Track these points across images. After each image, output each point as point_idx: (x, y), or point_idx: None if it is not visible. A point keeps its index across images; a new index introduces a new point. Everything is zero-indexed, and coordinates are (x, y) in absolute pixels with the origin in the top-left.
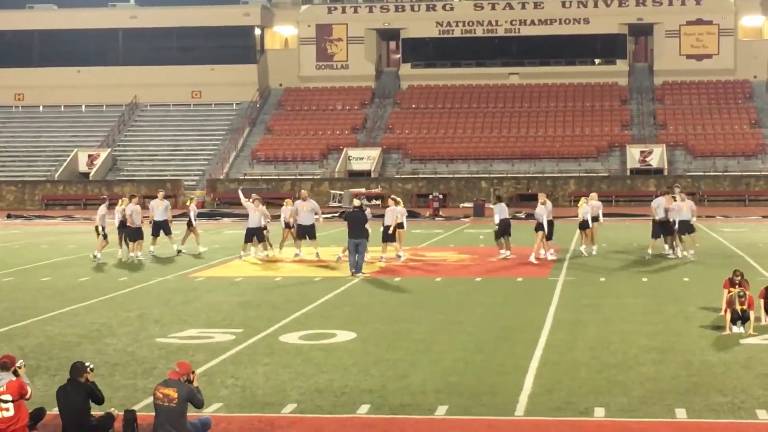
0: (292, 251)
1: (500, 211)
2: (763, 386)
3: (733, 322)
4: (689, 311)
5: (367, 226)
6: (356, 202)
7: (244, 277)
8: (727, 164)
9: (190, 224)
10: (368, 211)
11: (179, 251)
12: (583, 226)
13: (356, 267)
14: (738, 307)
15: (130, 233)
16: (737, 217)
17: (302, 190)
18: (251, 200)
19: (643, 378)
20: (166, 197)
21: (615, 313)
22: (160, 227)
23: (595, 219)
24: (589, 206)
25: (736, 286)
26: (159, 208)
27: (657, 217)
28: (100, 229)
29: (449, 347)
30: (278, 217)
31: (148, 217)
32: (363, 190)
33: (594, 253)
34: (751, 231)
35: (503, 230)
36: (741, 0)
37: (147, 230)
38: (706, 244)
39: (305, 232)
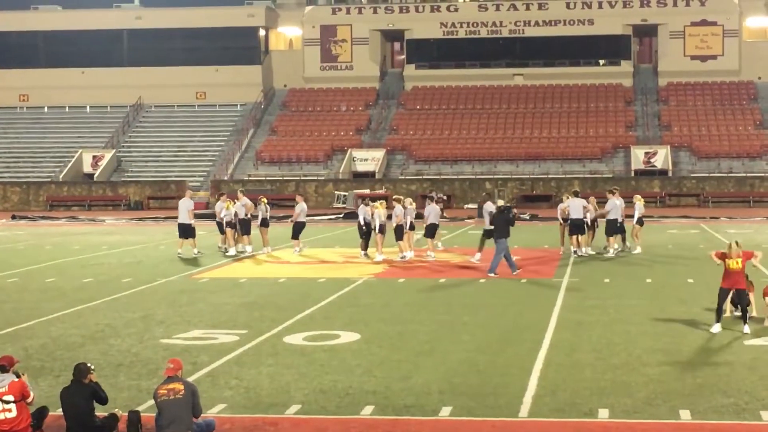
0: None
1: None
2: (767, 388)
3: (744, 321)
4: (693, 312)
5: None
6: (500, 203)
7: (249, 278)
8: (731, 165)
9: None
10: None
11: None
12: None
13: (513, 266)
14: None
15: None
16: (742, 218)
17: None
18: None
19: (647, 379)
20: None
21: (619, 315)
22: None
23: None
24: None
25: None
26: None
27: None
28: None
29: (453, 348)
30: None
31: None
32: (368, 191)
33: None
34: (756, 232)
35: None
36: (745, 1)
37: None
38: (711, 246)
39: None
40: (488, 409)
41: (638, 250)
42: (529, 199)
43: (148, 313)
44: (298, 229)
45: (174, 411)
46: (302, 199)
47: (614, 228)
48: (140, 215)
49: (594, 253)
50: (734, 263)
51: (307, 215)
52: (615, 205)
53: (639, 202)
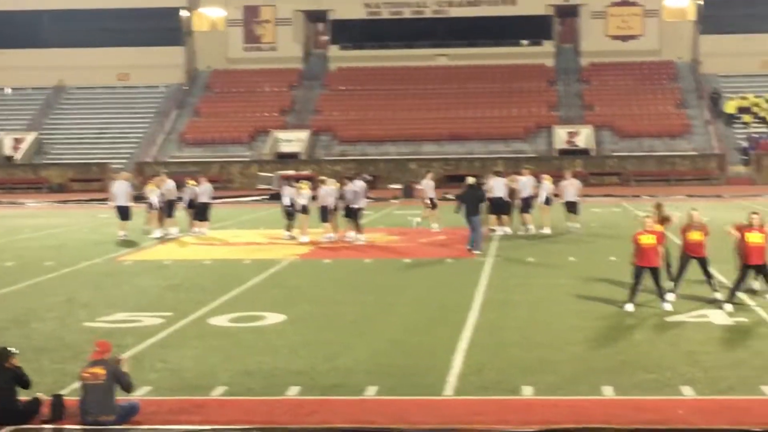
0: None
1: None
2: (688, 363)
3: (662, 298)
4: (616, 290)
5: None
6: (470, 180)
7: (174, 261)
8: (652, 144)
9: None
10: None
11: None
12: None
13: (472, 245)
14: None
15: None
16: (663, 196)
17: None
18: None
19: (571, 357)
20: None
21: (544, 293)
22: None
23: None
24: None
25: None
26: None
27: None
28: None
29: (379, 329)
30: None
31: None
32: (292, 172)
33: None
34: (677, 210)
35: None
36: None
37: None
38: (633, 224)
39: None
40: (413, 388)
41: (546, 230)
42: (453, 179)
43: (71, 297)
44: (202, 210)
45: (96, 395)
46: (206, 180)
47: (528, 206)
48: (63, 198)
49: (516, 232)
50: (646, 238)
51: (232, 197)
52: (525, 184)
53: (546, 182)
